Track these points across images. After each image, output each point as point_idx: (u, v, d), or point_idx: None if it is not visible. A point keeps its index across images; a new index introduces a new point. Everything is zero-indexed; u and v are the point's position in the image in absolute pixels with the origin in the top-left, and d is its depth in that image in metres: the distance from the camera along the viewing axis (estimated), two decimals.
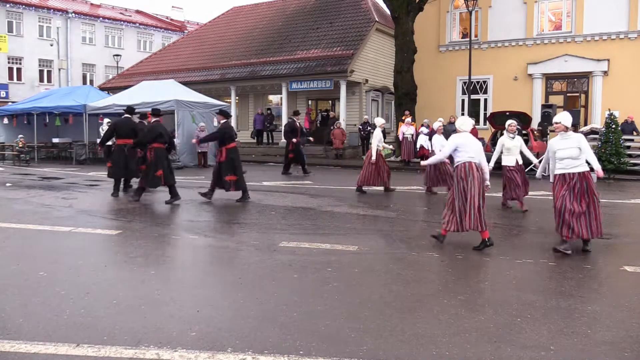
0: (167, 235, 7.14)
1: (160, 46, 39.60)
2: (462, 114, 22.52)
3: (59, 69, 35.62)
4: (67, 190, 11.83)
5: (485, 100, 23.17)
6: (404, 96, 20.37)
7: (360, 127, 21.97)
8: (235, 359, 3.28)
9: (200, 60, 27.36)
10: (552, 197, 6.41)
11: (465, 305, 4.34)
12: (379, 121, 11.87)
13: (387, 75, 23.96)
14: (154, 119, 10.17)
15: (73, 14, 37.12)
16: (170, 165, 10.12)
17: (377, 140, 11.42)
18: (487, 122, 19.62)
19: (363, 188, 11.53)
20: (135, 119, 11.56)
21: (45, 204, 9.68)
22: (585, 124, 19.69)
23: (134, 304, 4.26)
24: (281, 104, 24.71)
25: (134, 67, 30.65)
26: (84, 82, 36.08)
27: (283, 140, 22.17)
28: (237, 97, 26.04)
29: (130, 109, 11.57)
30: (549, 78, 22.10)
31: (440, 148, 10.62)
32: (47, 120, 20.83)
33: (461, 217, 6.25)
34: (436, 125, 12.11)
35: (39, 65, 35.88)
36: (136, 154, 10.69)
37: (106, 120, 18.10)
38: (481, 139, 13.20)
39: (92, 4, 41.18)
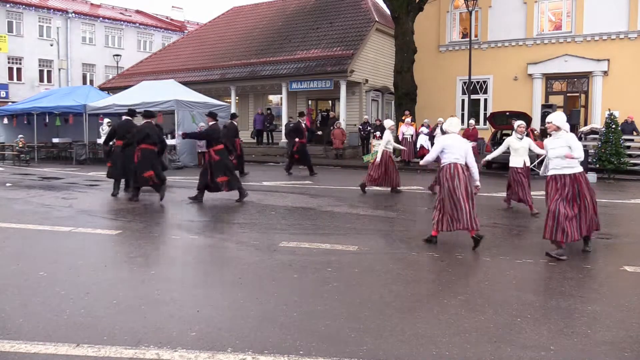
0: (167, 235, 7.14)
1: (160, 46, 39.60)
2: (462, 114, 22.56)
3: (59, 69, 35.62)
4: (67, 190, 11.83)
5: (485, 100, 23.18)
6: (404, 96, 20.38)
7: (360, 127, 21.97)
8: (235, 359, 3.28)
9: (200, 60, 27.36)
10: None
11: (465, 305, 4.34)
12: (388, 123, 11.90)
13: (387, 75, 23.96)
14: (145, 121, 10.28)
15: (73, 14, 37.13)
16: (159, 166, 10.17)
17: (384, 142, 11.45)
18: (487, 122, 19.62)
19: (365, 188, 11.54)
20: (141, 119, 11.70)
21: (45, 204, 9.68)
22: (585, 124, 19.70)
23: (134, 304, 4.26)
24: (281, 104, 24.71)
25: (134, 67, 30.65)
26: (84, 82, 36.07)
27: (283, 140, 22.25)
28: (237, 97, 26.04)
29: (131, 112, 11.68)
30: (549, 78, 22.10)
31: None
32: (47, 120, 20.82)
33: (452, 216, 6.32)
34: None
35: (39, 65, 35.88)
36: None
37: (106, 120, 18.11)
38: (481, 139, 13.19)
39: (92, 4, 41.17)
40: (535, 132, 17.20)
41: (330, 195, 11.09)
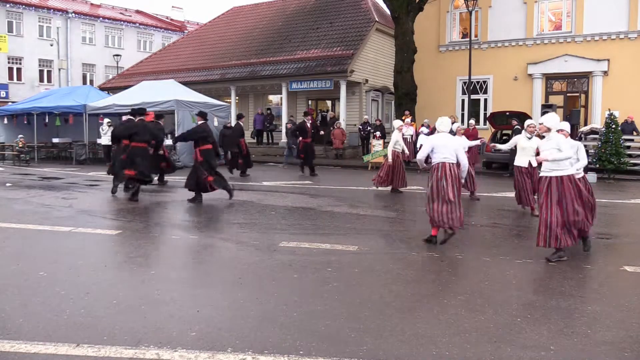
0: (167, 235, 7.14)
1: (160, 46, 39.59)
2: (462, 114, 22.56)
3: (59, 69, 35.61)
4: (67, 190, 11.84)
5: (485, 100, 23.17)
6: (404, 96, 20.37)
7: (360, 127, 21.96)
8: (235, 359, 3.28)
9: (200, 60, 27.36)
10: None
11: (465, 305, 4.34)
12: (397, 123, 11.94)
13: (387, 75, 23.96)
14: (138, 118, 10.42)
15: (73, 14, 37.11)
16: (142, 163, 10.18)
17: (392, 142, 11.53)
18: (487, 122, 19.62)
19: (379, 187, 11.65)
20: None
21: (45, 204, 9.68)
22: (585, 124, 19.69)
23: (134, 304, 4.26)
24: (281, 104, 24.70)
25: (134, 67, 30.64)
26: (84, 82, 36.06)
27: (283, 140, 22.24)
28: (237, 97, 26.04)
29: (134, 112, 11.77)
30: (549, 78, 22.10)
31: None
32: (47, 120, 20.81)
33: (439, 214, 6.42)
34: (455, 126, 12.03)
35: (39, 65, 35.86)
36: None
37: (106, 120, 18.10)
38: (481, 139, 13.17)
39: (92, 4, 41.16)
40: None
41: (330, 195, 11.10)
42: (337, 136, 21.24)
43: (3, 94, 33.69)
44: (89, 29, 38.41)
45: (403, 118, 19.60)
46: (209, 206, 9.58)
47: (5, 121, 22.31)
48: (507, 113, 16.83)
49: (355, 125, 23.17)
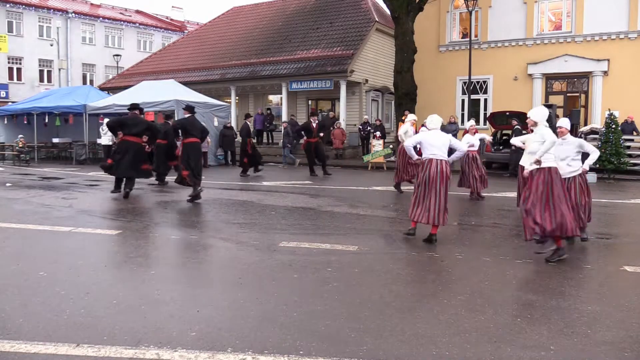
0: (167, 235, 7.14)
1: (160, 46, 39.60)
2: (462, 114, 22.57)
3: (59, 69, 35.61)
4: (67, 190, 11.83)
5: (485, 100, 23.17)
6: (404, 96, 20.35)
7: (360, 127, 21.96)
8: (235, 359, 3.28)
9: (200, 60, 27.36)
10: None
11: (465, 305, 4.34)
12: (411, 117, 12.25)
13: (387, 75, 23.95)
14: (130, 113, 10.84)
15: (73, 14, 37.12)
16: (126, 157, 10.32)
17: (402, 130, 11.77)
18: (487, 122, 19.62)
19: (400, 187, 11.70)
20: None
21: (45, 204, 9.68)
22: (585, 124, 19.69)
23: (134, 304, 4.26)
24: (281, 104, 24.70)
25: (134, 67, 30.65)
26: (84, 82, 36.07)
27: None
28: (237, 97, 26.05)
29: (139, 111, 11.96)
30: (549, 78, 22.10)
31: (468, 146, 10.70)
32: (47, 120, 20.83)
33: (422, 208, 6.60)
34: (468, 125, 12.02)
35: (39, 65, 35.87)
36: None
37: (106, 120, 18.09)
38: (481, 140, 13.13)
39: (92, 4, 41.16)
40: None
41: (330, 195, 11.09)
42: (337, 136, 21.25)
43: (3, 94, 33.70)
44: (89, 29, 38.42)
45: (403, 118, 19.61)
46: (209, 206, 9.58)
47: (5, 121, 22.31)
48: (507, 113, 16.83)
49: (355, 125, 23.18)
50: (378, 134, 18.97)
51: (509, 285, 4.96)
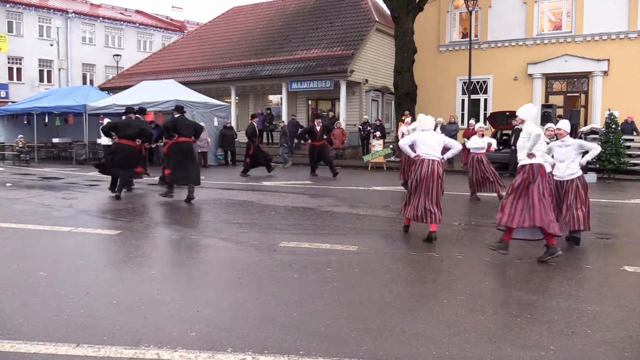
0: (167, 236, 7.14)
1: (160, 46, 39.59)
2: (462, 114, 22.57)
3: (59, 69, 35.60)
4: (67, 190, 11.83)
5: (485, 100, 23.18)
6: (404, 96, 20.36)
7: (360, 127, 21.96)
8: (235, 359, 3.28)
9: (200, 60, 27.36)
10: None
11: (465, 305, 4.34)
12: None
13: (387, 75, 23.95)
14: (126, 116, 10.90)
15: (73, 14, 37.11)
16: (117, 157, 10.36)
17: (411, 126, 11.66)
18: (487, 122, 19.61)
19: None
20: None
21: (45, 204, 9.68)
22: (585, 124, 19.69)
23: (134, 304, 4.26)
24: (281, 104, 24.70)
25: (134, 67, 30.64)
26: (84, 82, 36.06)
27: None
28: (237, 97, 26.04)
29: (141, 110, 11.92)
30: (549, 78, 22.10)
31: (474, 146, 10.80)
32: (47, 120, 20.82)
33: (414, 207, 6.75)
34: (478, 126, 11.97)
35: (39, 65, 35.86)
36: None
37: (106, 120, 18.09)
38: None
39: (92, 4, 41.16)
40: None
41: (330, 195, 11.10)
42: (337, 136, 21.23)
43: (3, 94, 33.70)
44: (89, 29, 38.41)
45: (403, 118, 19.60)
46: (209, 206, 9.58)
47: (5, 121, 22.31)
48: (507, 113, 16.82)
49: (355, 125, 23.17)
50: (378, 134, 18.97)
51: (509, 285, 4.96)
